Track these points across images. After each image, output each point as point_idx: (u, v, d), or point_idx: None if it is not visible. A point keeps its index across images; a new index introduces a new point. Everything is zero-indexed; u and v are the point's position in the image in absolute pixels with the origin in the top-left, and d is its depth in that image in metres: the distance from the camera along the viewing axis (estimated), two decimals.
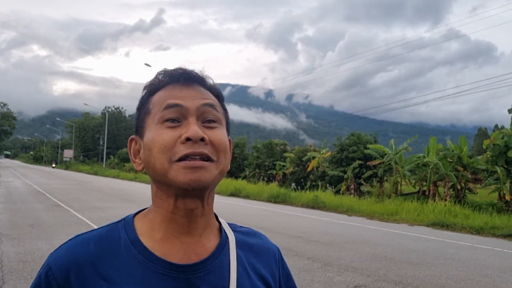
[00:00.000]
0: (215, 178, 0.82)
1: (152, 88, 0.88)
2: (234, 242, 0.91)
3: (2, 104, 68.22)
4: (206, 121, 0.84)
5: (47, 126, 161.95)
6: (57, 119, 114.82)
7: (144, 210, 0.90)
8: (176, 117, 0.81)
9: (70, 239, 0.84)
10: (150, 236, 0.84)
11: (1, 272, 6.05)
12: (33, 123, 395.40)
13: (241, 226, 1.01)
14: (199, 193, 0.82)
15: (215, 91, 0.91)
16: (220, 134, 0.84)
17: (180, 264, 0.81)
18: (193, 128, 0.79)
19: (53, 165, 63.76)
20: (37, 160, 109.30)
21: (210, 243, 0.88)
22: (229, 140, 0.90)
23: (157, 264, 0.80)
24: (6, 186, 23.95)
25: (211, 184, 0.82)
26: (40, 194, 19.34)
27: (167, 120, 0.81)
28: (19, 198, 16.92)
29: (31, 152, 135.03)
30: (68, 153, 76.48)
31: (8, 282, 5.58)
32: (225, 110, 0.92)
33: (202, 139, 0.79)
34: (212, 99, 0.87)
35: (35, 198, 17.12)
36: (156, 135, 0.81)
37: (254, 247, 0.95)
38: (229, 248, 0.89)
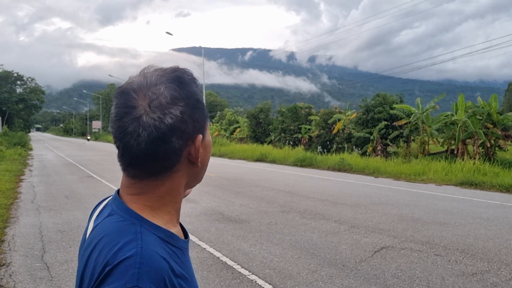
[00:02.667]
0: None
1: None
2: None
3: (30, 79, 69.50)
4: None
5: (75, 98, 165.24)
6: (84, 91, 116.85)
7: (138, 207, 0.89)
8: None
9: (141, 261, 0.77)
10: (170, 227, 0.90)
11: (41, 242, 6.38)
12: (61, 96, 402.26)
13: None
14: None
15: None
16: None
17: (187, 240, 0.96)
18: None
19: (88, 137, 65.29)
20: (67, 132, 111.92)
21: None
22: None
23: (184, 245, 0.92)
24: (39, 159, 24.75)
25: None
26: (73, 165, 19.95)
27: None
28: (53, 170, 17.52)
29: (61, 125, 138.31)
30: (97, 124, 78.05)
31: (49, 251, 5.89)
32: None
33: None
34: None
35: (68, 170, 17.69)
36: (211, 138, 0.96)
37: None
38: None
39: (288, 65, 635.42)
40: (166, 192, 0.90)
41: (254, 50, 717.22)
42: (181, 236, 0.94)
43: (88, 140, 63.55)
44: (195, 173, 0.94)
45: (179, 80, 0.87)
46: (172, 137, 0.84)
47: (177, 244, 0.88)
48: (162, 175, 0.88)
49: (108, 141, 57.35)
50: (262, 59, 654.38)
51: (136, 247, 0.79)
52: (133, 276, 0.75)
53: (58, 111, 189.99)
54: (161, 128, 0.82)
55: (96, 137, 68.65)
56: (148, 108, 0.82)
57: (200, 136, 0.88)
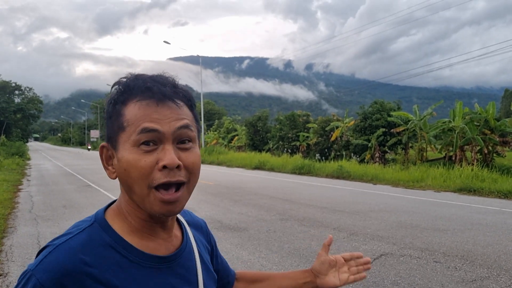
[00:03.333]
0: (185, 203, 0.88)
1: (124, 98, 0.86)
2: (187, 225, 1.05)
3: (28, 89, 69.49)
4: (181, 142, 0.86)
5: (73, 108, 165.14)
6: (82, 100, 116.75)
7: (112, 208, 0.93)
8: (152, 140, 0.83)
9: (51, 251, 0.82)
10: (132, 236, 0.88)
11: None
12: (59, 105, 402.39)
13: None
14: None
15: (186, 96, 0.91)
16: (193, 156, 0.87)
17: (165, 256, 0.91)
18: (170, 157, 0.82)
19: (89, 147, 64.11)
20: (65, 141, 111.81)
21: (178, 232, 0.99)
22: (197, 129, 0.93)
23: (146, 260, 0.87)
24: (37, 168, 24.70)
25: (181, 210, 0.89)
26: (71, 175, 19.90)
27: (143, 143, 0.83)
28: (51, 180, 17.47)
29: (59, 134, 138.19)
30: (95, 134, 77.96)
31: None
32: (196, 115, 0.93)
33: (178, 166, 0.83)
34: (186, 115, 0.88)
35: (66, 179, 17.64)
36: (133, 159, 0.82)
37: (193, 223, 1.09)
38: (187, 231, 1.02)
39: (285, 73, 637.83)
40: (123, 202, 0.91)
41: (251, 58, 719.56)
42: (152, 251, 0.89)
43: (89, 149, 62.71)
44: (125, 190, 0.88)
45: (112, 91, 0.91)
46: None
47: (128, 255, 0.85)
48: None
49: None
50: (259, 68, 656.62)
51: (62, 240, 0.84)
52: (36, 262, 0.81)
53: (56, 120, 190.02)
54: None
55: (95, 146, 68.46)
56: None
57: (104, 144, 0.91)
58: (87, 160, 33.46)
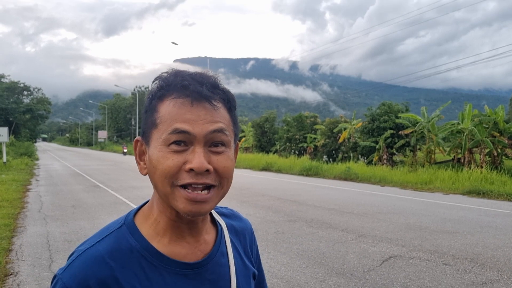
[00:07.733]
0: (215, 205, 0.84)
1: (161, 94, 0.85)
2: (227, 230, 1.01)
3: (36, 89, 69.96)
4: (213, 145, 0.83)
5: (81, 108, 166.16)
6: (90, 101, 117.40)
7: (144, 209, 0.92)
8: (183, 141, 0.80)
9: (78, 255, 0.83)
10: (158, 240, 0.87)
11: (48, 251, 6.38)
12: (67, 106, 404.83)
13: (221, 207, 1.10)
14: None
15: (225, 97, 0.87)
16: (225, 161, 0.83)
17: (191, 263, 0.89)
18: (198, 160, 0.79)
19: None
20: (73, 142, 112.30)
21: (209, 236, 0.96)
22: (237, 145, 0.92)
23: (172, 266, 0.86)
24: (46, 169, 24.85)
25: (210, 211, 0.87)
26: (79, 175, 20.01)
27: (173, 143, 0.80)
28: (60, 180, 17.57)
29: (67, 135, 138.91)
30: (102, 134, 78.24)
31: (56, 261, 5.89)
32: (234, 118, 0.90)
33: (207, 170, 0.80)
34: (222, 117, 0.84)
35: (74, 180, 17.73)
36: (161, 157, 0.80)
37: (238, 229, 1.06)
38: (224, 237, 0.99)
39: (291, 74, 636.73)
40: (155, 199, 0.90)
41: (257, 59, 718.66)
42: (178, 256, 0.88)
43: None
44: (154, 187, 0.86)
45: (152, 85, 0.90)
46: None
47: (153, 261, 0.85)
48: None
49: (114, 151, 57.54)
50: (264, 69, 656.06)
51: (89, 244, 0.85)
52: (64, 266, 0.83)
53: (64, 121, 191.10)
54: None
55: (102, 147, 68.80)
56: None
57: (138, 138, 0.90)
58: (95, 161, 33.62)
